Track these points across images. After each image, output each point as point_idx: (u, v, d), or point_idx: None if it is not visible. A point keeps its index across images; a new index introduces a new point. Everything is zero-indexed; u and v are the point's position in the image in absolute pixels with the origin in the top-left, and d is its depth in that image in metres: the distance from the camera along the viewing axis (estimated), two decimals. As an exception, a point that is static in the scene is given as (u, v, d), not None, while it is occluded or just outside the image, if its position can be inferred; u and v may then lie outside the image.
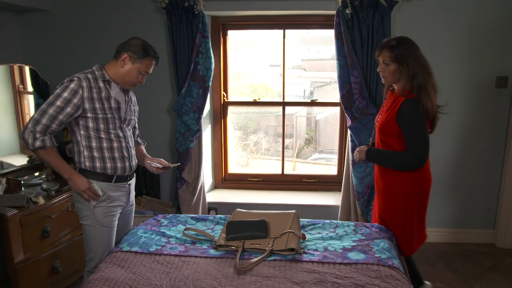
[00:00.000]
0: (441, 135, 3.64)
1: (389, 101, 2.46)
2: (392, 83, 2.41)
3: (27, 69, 3.40)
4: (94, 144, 2.23)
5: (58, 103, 2.10)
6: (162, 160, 2.54)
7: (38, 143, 2.10)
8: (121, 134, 2.30)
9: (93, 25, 3.72)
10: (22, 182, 3.07)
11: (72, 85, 2.12)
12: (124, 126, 2.33)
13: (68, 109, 2.12)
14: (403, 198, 2.42)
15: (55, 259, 2.88)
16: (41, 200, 2.87)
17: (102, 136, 2.23)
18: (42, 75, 3.43)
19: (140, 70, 2.25)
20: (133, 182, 2.46)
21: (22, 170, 3.31)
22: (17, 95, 3.38)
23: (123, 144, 2.31)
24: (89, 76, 2.20)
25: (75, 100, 2.13)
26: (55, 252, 2.88)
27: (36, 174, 3.31)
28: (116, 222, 2.36)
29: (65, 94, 2.11)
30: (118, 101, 2.26)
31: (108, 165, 2.26)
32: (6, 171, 3.18)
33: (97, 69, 2.24)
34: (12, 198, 2.74)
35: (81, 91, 2.13)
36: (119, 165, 2.28)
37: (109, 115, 2.23)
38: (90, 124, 2.20)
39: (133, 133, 2.55)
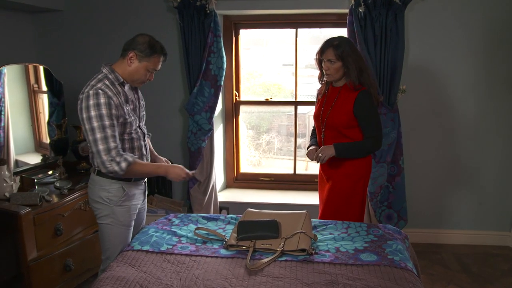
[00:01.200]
0: (456, 135, 3.59)
1: (334, 96, 2.60)
2: (336, 80, 2.59)
3: (41, 68, 3.43)
4: None
5: (107, 122, 2.06)
6: (165, 160, 2.55)
7: (123, 165, 2.08)
8: (140, 133, 2.32)
9: (105, 25, 3.74)
10: (35, 180, 3.10)
11: (102, 100, 2.06)
12: (141, 124, 2.34)
13: (115, 122, 2.12)
14: (362, 181, 2.66)
15: (68, 257, 2.90)
16: (54, 199, 2.89)
17: (125, 137, 2.23)
18: (56, 75, 3.46)
19: (147, 68, 2.22)
20: (146, 179, 2.48)
21: (36, 168, 3.34)
22: (32, 94, 3.41)
23: (142, 142, 2.33)
24: (107, 82, 2.14)
25: (114, 111, 2.10)
26: (68, 250, 2.90)
27: (50, 172, 3.34)
28: (133, 221, 2.39)
29: (104, 111, 2.06)
30: (133, 102, 2.27)
31: None
32: (20, 169, 3.22)
33: (109, 72, 2.19)
34: (26, 196, 2.76)
35: (112, 101, 2.10)
36: None
37: (132, 118, 2.23)
38: (119, 130, 2.18)
39: None
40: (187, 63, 3.50)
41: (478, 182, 3.66)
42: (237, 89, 3.97)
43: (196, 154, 3.63)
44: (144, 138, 2.36)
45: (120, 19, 3.71)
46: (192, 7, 3.37)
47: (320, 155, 2.53)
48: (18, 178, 2.96)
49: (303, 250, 2.13)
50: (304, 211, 2.42)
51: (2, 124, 3.13)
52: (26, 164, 3.33)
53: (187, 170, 2.27)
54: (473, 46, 3.43)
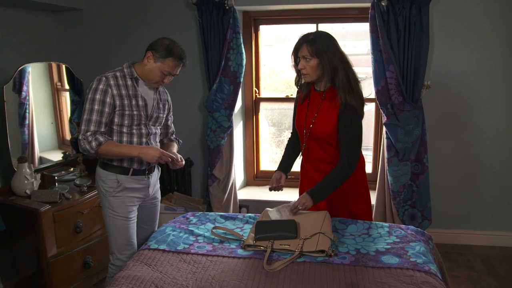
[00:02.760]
0: (485, 134, 3.46)
1: (317, 103, 2.31)
2: (314, 80, 2.28)
3: (63, 67, 3.46)
4: (114, 138, 2.26)
5: (96, 107, 2.16)
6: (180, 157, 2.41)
7: (94, 144, 2.14)
8: (143, 131, 2.30)
9: (125, 23, 3.75)
10: (56, 177, 3.14)
11: (100, 86, 2.17)
12: (150, 123, 2.33)
13: (106, 109, 2.18)
14: (364, 189, 2.46)
15: (87, 254, 2.93)
16: (74, 196, 2.91)
17: (124, 130, 2.26)
18: (76, 73, 3.49)
19: (162, 70, 2.23)
20: (154, 175, 2.45)
21: (57, 165, 3.38)
22: (55, 92, 3.46)
23: (143, 140, 2.31)
24: (118, 74, 2.24)
25: (108, 99, 2.17)
26: (87, 247, 2.93)
27: (71, 169, 3.38)
28: (135, 214, 2.38)
29: (98, 97, 2.16)
30: (145, 99, 2.28)
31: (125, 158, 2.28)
32: (43, 167, 3.26)
33: (126, 66, 2.28)
34: (46, 193, 2.80)
35: (110, 90, 2.18)
36: (135, 159, 2.29)
37: (135, 112, 2.24)
38: (116, 120, 2.23)
39: (167, 131, 2.56)
40: (206, 60, 3.48)
41: (506, 182, 3.52)
42: (257, 86, 3.92)
43: (216, 152, 3.61)
44: (148, 137, 2.34)
45: (140, 17, 3.71)
46: (211, 3, 3.34)
47: (300, 207, 2.24)
48: (39, 176, 3.00)
49: (322, 252, 2.07)
50: (324, 210, 2.36)
51: (27, 122, 3.18)
52: (50, 161, 3.38)
53: (163, 151, 2.24)
54: (502, 41, 3.29)
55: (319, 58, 2.18)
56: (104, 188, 2.30)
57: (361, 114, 2.25)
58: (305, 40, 2.21)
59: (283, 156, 2.62)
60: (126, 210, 2.33)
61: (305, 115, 2.37)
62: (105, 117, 2.18)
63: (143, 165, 2.34)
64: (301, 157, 2.52)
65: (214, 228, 2.38)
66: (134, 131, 2.28)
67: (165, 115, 2.46)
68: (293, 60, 2.33)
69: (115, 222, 2.32)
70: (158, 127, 2.43)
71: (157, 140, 2.45)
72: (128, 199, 2.32)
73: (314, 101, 2.35)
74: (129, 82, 2.25)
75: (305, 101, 2.39)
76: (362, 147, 2.38)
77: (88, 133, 2.15)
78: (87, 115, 2.16)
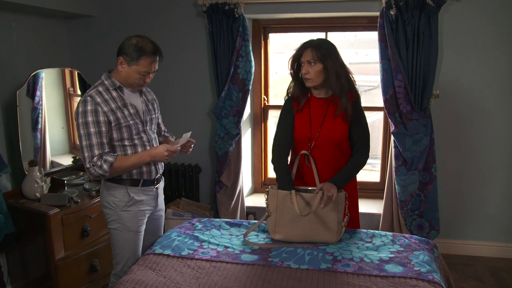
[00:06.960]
0: (494, 144, 3.43)
1: (323, 109, 2.33)
2: (317, 85, 2.29)
3: (76, 72, 3.52)
4: (119, 153, 2.21)
5: (92, 129, 2.09)
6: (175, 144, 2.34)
7: (105, 166, 2.09)
8: (144, 138, 2.28)
9: (136, 30, 3.74)
10: (65, 181, 3.18)
11: (89, 107, 2.10)
12: (147, 129, 2.30)
13: (103, 129, 2.11)
14: (356, 189, 2.55)
15: (94, 258, 2.96)
16: (82, 200, 2.95)
17: (126, 143, 2.22)
18: (87, 79, 3.54)
19: (139, 72, 2.15)
20: (161, 185, 2.44)
21: (67, 170, 3.43)
22: (68, 98, 3.51)
23: (148, 147, 2.28)
24: (100, 88, 2.17)
25: (101, 118, 2.11)
26: (94, 251, 2.96)
27: (80, 174, 3.42)
28: (144, 226, 2.35)
29: (90, 119, 2.09)
30: (134, 106, 2.24)
31: (134, 170, 2.24)
32: (53, 170, 3.31)
33: (105, 78, 2.20)
34: (55, 197, 2.84)
35: (99, 108, 2.11)
36: (144, 169, 2.26)
37: (131, 122, 2.20)
38: (114, 135, 2.18)
39: (159, 130, 2.51)
40: (216, 67, 3.51)
41: (517, 192, 3.47)
42: (266, 94, 3.94)
43: (223, 159, 3.63)
44: (151, 143, 2.31)
45: (150, 25, 3.76)
46: (221, 12, 3.38)
47: (329, 194, 2.17)
48: (49, 179, 3.04)
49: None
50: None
51: (39, 127, 3.23)
52: (61, 165, 3.43)
53: (168, 146, 2.21)
54: (511, 50, 3.27)
55: (324, 63, 2.22)
56: (114, 202, 2.25)
57: (362, 107, 2.37)
58: (309, 45, 2.26)
59: (286, 173, 2.36)
60: (137, 225, 2.31)
61: (308, 123, 2.35)
62: (105, 136, 2.11)
63: (152, 175, 2.31)
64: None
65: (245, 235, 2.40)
66: (136, 141, 2.24)
67: (156, 115, 2.41)
68: (290, 66, 2.33)
69: (126, 237, 2.28)
70: (155, 130, 2.41)
71: (158, 143, 2.42)
72: (139, 213, 2.30)
73: (318, 108, 2.35)
74: (114, 94, 2.18)
75: (305, 109, 2.37)
76: (374, 155, 2.43)
77: (95, 158, 2.08)
78: (86, 140, 2.09)
